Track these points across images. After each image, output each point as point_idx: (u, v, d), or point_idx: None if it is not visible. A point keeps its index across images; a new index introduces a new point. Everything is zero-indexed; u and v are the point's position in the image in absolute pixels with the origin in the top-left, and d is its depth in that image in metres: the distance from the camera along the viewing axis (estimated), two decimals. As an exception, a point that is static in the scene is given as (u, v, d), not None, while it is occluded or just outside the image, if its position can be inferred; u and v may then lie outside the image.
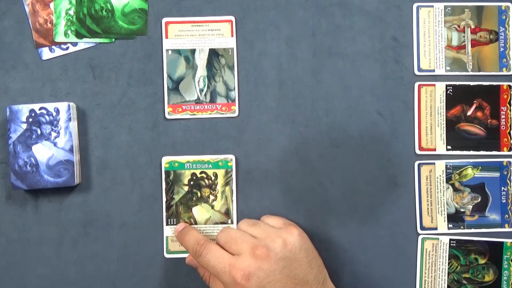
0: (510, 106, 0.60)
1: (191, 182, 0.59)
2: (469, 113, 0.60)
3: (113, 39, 0.59)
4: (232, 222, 0.59)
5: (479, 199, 0.59)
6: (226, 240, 0.53)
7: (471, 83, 0.60)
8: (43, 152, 0.56)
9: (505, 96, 0.60)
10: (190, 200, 0.59)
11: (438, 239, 0.59)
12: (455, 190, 0.59)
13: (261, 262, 0.50)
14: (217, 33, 0.59)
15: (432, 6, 0.60)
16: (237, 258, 0.51)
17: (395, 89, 0.60)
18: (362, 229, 0.60)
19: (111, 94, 0.59)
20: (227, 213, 0.59)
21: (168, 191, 0.59)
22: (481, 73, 0.60)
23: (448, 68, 0.60)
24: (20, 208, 0.58)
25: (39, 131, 0.56)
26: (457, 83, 0.60)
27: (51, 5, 0.58)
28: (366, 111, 0.60)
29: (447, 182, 0.59)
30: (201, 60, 0.59)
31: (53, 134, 0.56)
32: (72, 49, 0.59)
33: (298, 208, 0.59)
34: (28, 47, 0.59)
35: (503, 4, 0.60)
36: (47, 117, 0.56)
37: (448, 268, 0.59)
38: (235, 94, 0.59)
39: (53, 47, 0.59)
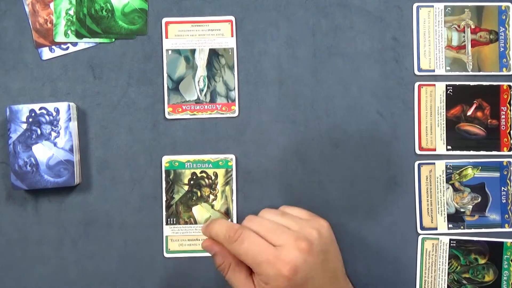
0: (510, 106, 0.60)
1: (191, 182, 0.59)
2: (469, 113, 0.60)
3: (113, 39, 0.59)
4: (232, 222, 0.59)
5: (479, 199, 0.59)
6: (259, 229, 0.49)
7: (471, 83, 0.60)
8: (43, 152, 0.56)
9: (505, 96, 0.60)
10: (190, 200, 0.59)
11: (438, 239, 0.59)
12: (455, 190, 0.59)
13: (306, 255, 0.48)
14: (217, 33, 0.59)
15: (432, 6, 0.60)
16: (280, 249, 0.48)
17: (395, 89, 0.60)
18: (362, 229, 0.60)
19: (111, 94, 0.59)
20: (227, 212, 0.59)
21: (168, 191, 0.59)
22: (481, 73, 0.60)
23: (448, 68, 0.60)
24: (20, 208, 0.58)
25: (39, 131, 0.56)
26: (457, 83, 0.60)
27: (51, 5, 0.59)
28: (366, 111, 0.60)
29: (447, 182, 0.59)
30: (201, 60, 0.59)
31: (53, 134, 0.56)
32: (72, 49, 0.59)
33: (298, 208, 0.59)
34: (28, 47, 0.59)
35: (503, 4, 0.60)
36: (47, 117, 0.56)
37: (448, 268, 0.59)
38: (235, 94, 0.59)
39: (53, 47, 0.59)
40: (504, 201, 0.59)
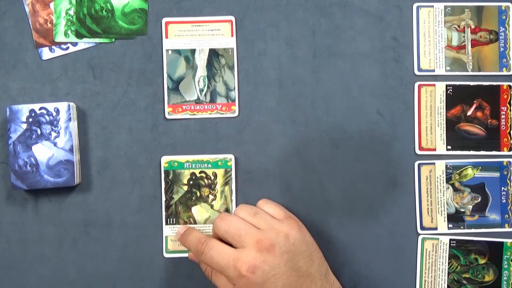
0: (510, 106, 0.60)
1: (191, 182, 0.59)
2: (469, 113, 0.60)
3: (113, 39, 0.59)
4: (232, 222, 0.59)
5: (479, 199, 0.59)
6: (227, 229, 0.52)
7: (471, 83, 0.60)
8: (43, 152, 0.56)
9: (505, 96, 0.60)
10: (189, 200, 0.59)
11: (438, 239, 0.59)
12: (455, 190, 0.59)
13: (266, 256, 0.50)
14: (217, 33, 0.59)
15: (432, 6, 0.60)
16: (241, 251, 0.51)
17: (395, 89, 0.60)
18: (362, 229, 0.60)
19: (111, 94, 0.59)
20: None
21: (168, 191, 0.59)
22: (481, 73, 0.60)
23: (448, 68, 0.60)
24: (20, 208, 0.58)
25: (39, 131, 0.56)
26: (457, 83, 0.60)
27: (51, 5, 0.59)
28: (366, 111, 0.60)
29: (447, 182, 0.59)
30: (201, 60, 0.59)
31: (53, 134, 0.56)
32: (72, 49, 0.59)
33: (298, 208, 0.59)
34: (28, 47, 0.59)
35: (503, 4, 0.60)
36: (47, 117, 0.56)
37: (448, 268, 0.59)
38: (235, 94, 0.59)
39: (53, 47, 0.59)
40: (504, 201, 0.59)
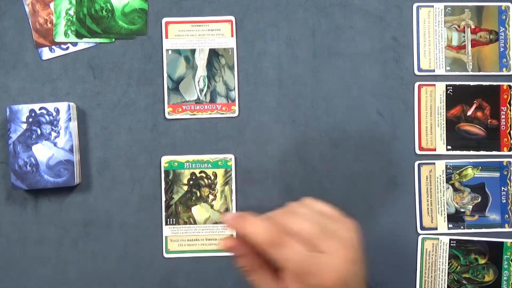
0: (510, 106, 0.60)
1: (191, 182, 0.59)
2: (469, 113, 0.60)
3: (113, 39, 0.59)
4: (232, 222, 0.59)
5: (479, 199, 0.59)
6: (303, 228, 0.45)
7: (471, 83, 0.60)
8: (43, 152, 0.56)
9: (505, 96, 0.60)
10: (189, 200, 0.59)
11: (438, 239, 0.59)
12: (455, 190, 0.59)
13: (350, 265, 0.45)
14: (217, 33, 0.59)
15: (432, 6, 0.60)
16: (324, 258, 0.44)
17: (395, 89, 0.60)
18: (362, 229, 0.59)
19: (111, 94, 0.59)
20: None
21: (168, 191, 0.59)
22: (481, 73, 0.60)
23: (448, 68, 0.60)
24: (20, 208, 0.58)
25: (39, 131, 0.56)
26: (457, 83, 0.60)
27: (51, 5, 0.59)
28: (366, 111, 0.60)
29: (447, 182, 0.59)
30: (201, 60, 0.59)
31: (53, 134, 0.56)
32: (72, 49, 0.59)
33: (298, 208, 0.59)
34: (28, 47, 0.59)
35: (503, 4, 0.60)
36: (47, 117, 0.56)
37: (448, 268, 0.59)
38: (235, 94, 0.59)
39: (53, 47, 0.59)
40: (504, 201, 0.59)
